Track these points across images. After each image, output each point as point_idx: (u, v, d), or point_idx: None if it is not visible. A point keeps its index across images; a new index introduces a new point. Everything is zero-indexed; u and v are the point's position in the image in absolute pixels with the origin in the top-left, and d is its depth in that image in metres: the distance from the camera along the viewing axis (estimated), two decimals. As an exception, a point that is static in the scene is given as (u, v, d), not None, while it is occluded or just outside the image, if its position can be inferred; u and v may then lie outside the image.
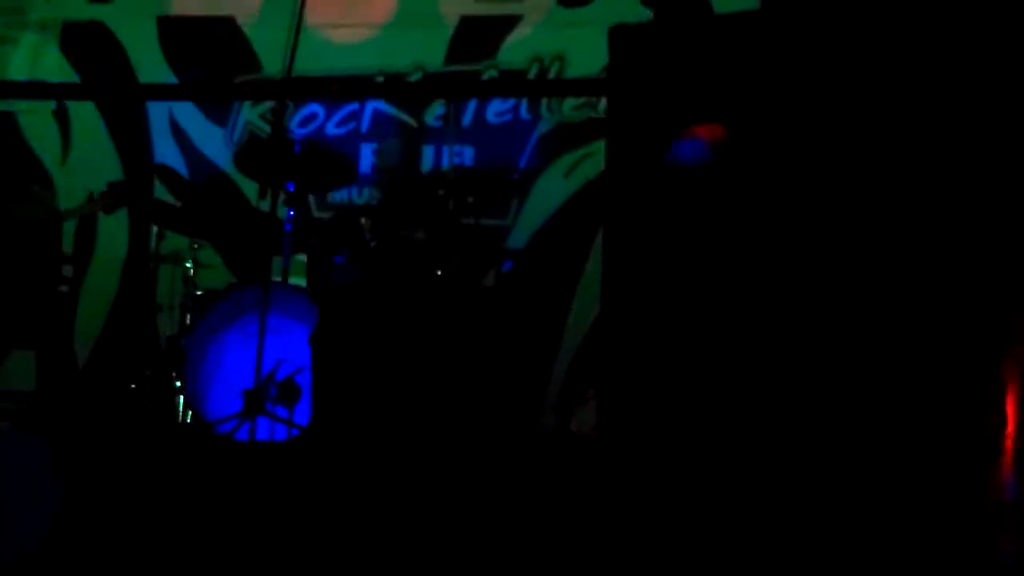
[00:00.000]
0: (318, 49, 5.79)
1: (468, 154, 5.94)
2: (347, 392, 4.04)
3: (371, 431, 3.95)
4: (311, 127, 6.13)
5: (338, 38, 5.99)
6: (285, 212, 4.86)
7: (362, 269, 4.66)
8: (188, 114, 6.28)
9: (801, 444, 2.68)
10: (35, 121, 6.40)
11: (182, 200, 6.03)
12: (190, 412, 4.64)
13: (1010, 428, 2.47)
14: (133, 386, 4.92)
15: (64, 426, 4.99)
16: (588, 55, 5.65)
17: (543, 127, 5.89)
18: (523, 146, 5.89)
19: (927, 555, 2.53)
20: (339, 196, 6.02)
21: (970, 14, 2.62)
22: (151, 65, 6.25)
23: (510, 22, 5.97)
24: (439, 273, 4.53)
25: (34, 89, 6.09)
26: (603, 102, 5.53)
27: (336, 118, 6.13)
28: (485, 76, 5.95)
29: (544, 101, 5.92)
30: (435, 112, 6.02)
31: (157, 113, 6.31)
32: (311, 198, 5.94)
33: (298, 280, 4.89)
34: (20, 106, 6.41)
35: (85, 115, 6.36)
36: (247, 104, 6.24)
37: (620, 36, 3.01)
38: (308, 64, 4.48)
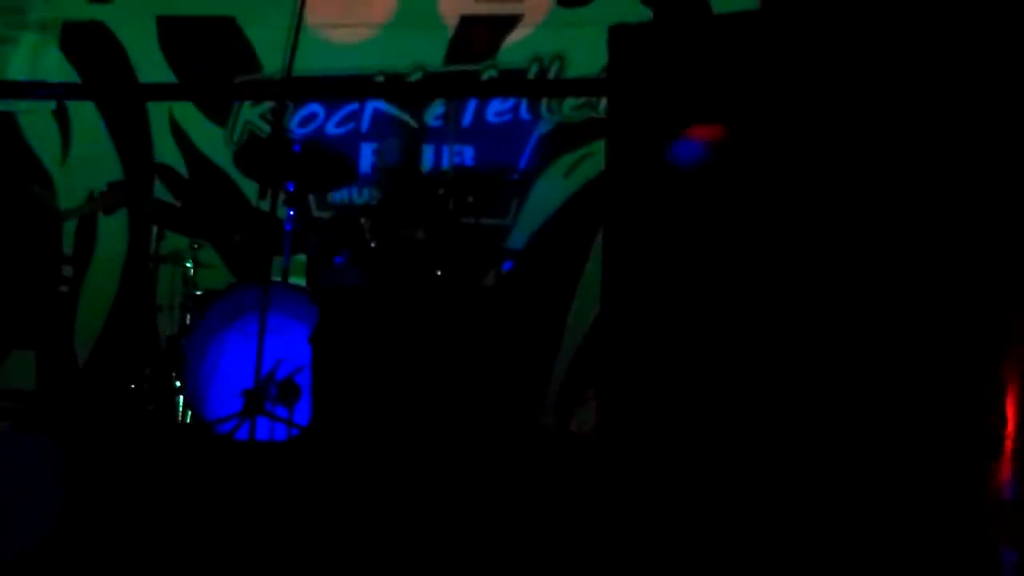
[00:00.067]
0: (318, 49, 5.79)
1: (468, 154, 5.94)
2: (347, 392, 4.05)
3: (371, 431, 3.95)
4: (311, 127, 6.13)
5: (338, 38, 5.99)
6: (285, 212, 4.85)
7: (362, 269, 4.66)
8: (188, 114, 6.28)
9: (801, 444, 2.68)
10: (35, 121, 6.40)
11: (182, 200, 6.03)
12: (190, 412, 4.64)
13: (1010, 428, 2.47)
14: (133, 386, 4.92)
15: (64, 426, 4.99)
16: (588, 55, 5.65)
17: (543, 127, 5.89)
18: (523, 146, 5.89)
19: (927, 555, 2.53)
20: (339, 196, 6.02)
21: (970, 14, 2.62)
22: (151, 65, 6.25)
23: (510, 22, 5.97)
24: (439, 273, 4.53)
25: (34, 89, 6.09)
26: (603, 102, 5.53)
27: (336, 118, 6.13)
28: (485, 76, 5.95)
29: (544, 101, 5.92)
30: (435, 112, 6.02)
31: (157, 113, 6.31)
32: (311, 198, 5.94)
33: (298, 280, 4.89)
34: (20, 106, 6.41)
35: (85, 115, 6.36)
36: (247, 104, 6.24)
37: (620, 36, 3.01)
38: (308, 64, 4.48)
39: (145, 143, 6.30)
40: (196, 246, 5.06)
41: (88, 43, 6.36)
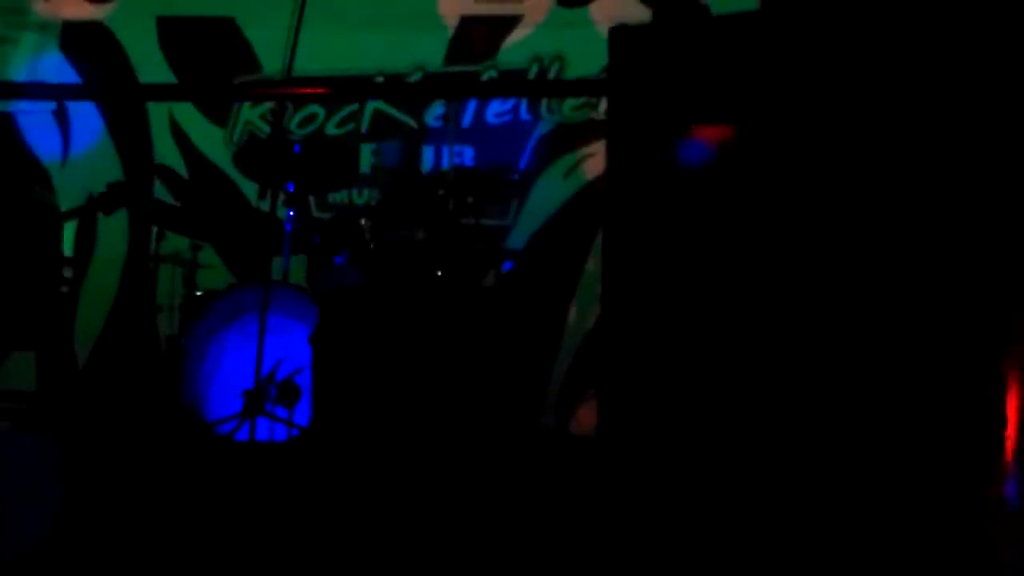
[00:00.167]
0: (318, 49, 5.80)
1: (468, 154, 5.95)
2: (347, 392, 4.05)
3: (371, 431, 3.95)
4: (311, 127, 6.13)
5: (338, 39, 5.99)
6: (285, 212, 4.86)
7: (362, 269, 4.67)
8: (188, 114, 6.28)
9: (801, 445, 2.68)
10: (35, 121, 6.41)
11: (182, 200, 6.03)
12: (190, 412, 4.64)
13: (1010, 428, 2.48)
14: (133, 386, 4.92)
15: (64, 426, 4.99)
16: (588, 55, 5.65)
17: (543, 128, 5.90)
18: (523, 147, 5.89)
19: (928, 555, 2.53)
20: (339, 196, 6.02)
21: (971, 14, 2.62)
22: (151, 65, 6.26)
23: (510, 22, 5.97)
24: (439, 273, 4.53)
25: (34, 89, 6.09)
26: (603, 103, 5.53)
27: (336, 118, 6.13)
28: (485, 76, 5.95)
29: (544, 102, 5.92)
30: (435, 112, 6.02)
31: (157, 114, 6.31)
32: (311, 198, 5.94)
33: (298, 281, 4.89)
34: (20, 106, 6.41)
35: (85, 115, 6.36)
36: (247, 104, 6.25)
37: (620, 36, 3.01)
38: (308, 65, 4.48)
39: (145, 143, 6.30)
40: (196, 246, 5.07)
41: (88, 43, 6.36)
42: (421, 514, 3.27)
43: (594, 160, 5.64)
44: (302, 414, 4.44)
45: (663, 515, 2.79)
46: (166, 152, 6.27)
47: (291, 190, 4.86)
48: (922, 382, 2.58)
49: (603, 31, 3.11)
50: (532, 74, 5.91)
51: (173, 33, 6.30)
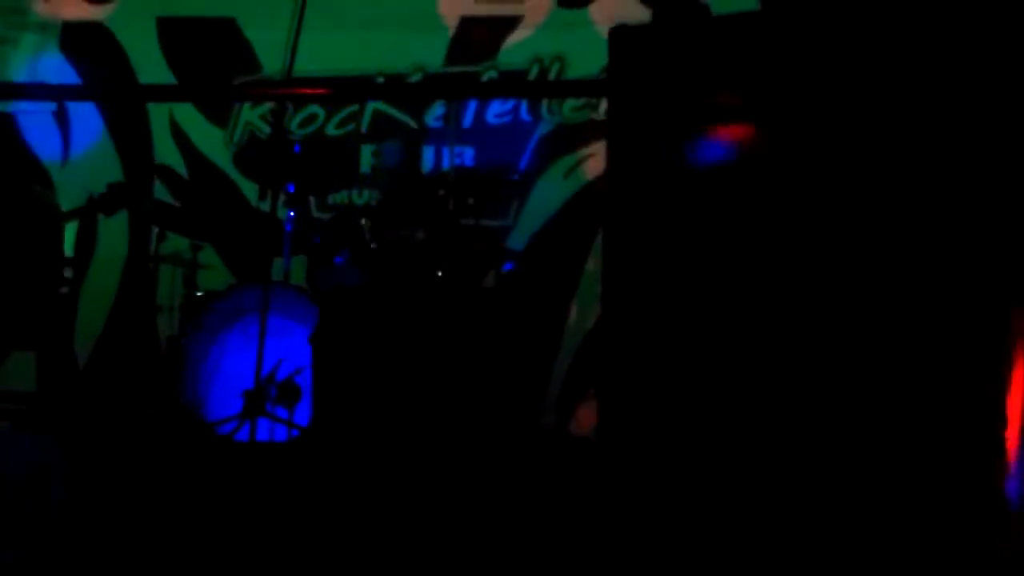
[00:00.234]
0: (318, 50, 5.79)
1: (468, 155, 5.95)
2: (347, 393, 4.05)
3: (371, 432, 3.95)
4: (311, 128, 6.13)
5: (338, 39, 5.99)
6: (285, 213, 4.86)
7: (362, 269, 4.66)
8: (188, 115, 6.28)
9: (801, 445, 2.68)
10: (35, 121, 6.40)
11: (182, 201, 6.03)
12: (190, 413, 4.64)
13: (1011, 428, 2.48)
14: (133, 386, 4.92)
15: (64, 426, 4.99)
16: (588, 56, 5.65)
17: (543, 128, 5.89)
18: (523, 147, 5.89)
19: (928, 555, 2.53)
20: (339, 196, 6.02)
21: (971, 14, 2.62)
22: (151, 66, 6.26)
23: (510, 23, 5.97)
24: (439, 274, 4.53)
25: (34, 90, 6.09)
26: (603, 103, 5.53)
27: (336, 119, 6.13)
28: (485, 77, 5.95)
29: (544, 102, 5.92)
30: (435, 113, 6.02)
31: (157, 114, 6.31)
32: (311, 199, 5.94)
33: (298, 281, 4.89)
34: (20, 106, 6.41)
35: (85, 116, 6.36)
36: (247, 105, 6.25)
37: (620, 37, 3.01)
38: (308, 65, 4.48)
39: (145, 144, 6.30)
40: (196, 247, 5.07)
41: (88, 44, 6.36)
42: (421, 514, 3.27)
43: (594, 160, 5.64)
44: (302, 415, 4.44)
45: (662, 515, 2.79)
46: (166, 152, 6.27)
47: (291, 191, 4.85)
48: (923, 382, 2.58)
49: (603, 31, 3.11)
50: (532, 75, 5.91)
51: (173, 33, 6.30)
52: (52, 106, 6.37)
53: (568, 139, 5.84)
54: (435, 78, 6.03)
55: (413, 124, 6.05)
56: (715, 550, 2.71)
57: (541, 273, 5.73)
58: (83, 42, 6.38)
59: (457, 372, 4.02)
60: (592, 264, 5.62)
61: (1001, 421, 2.48)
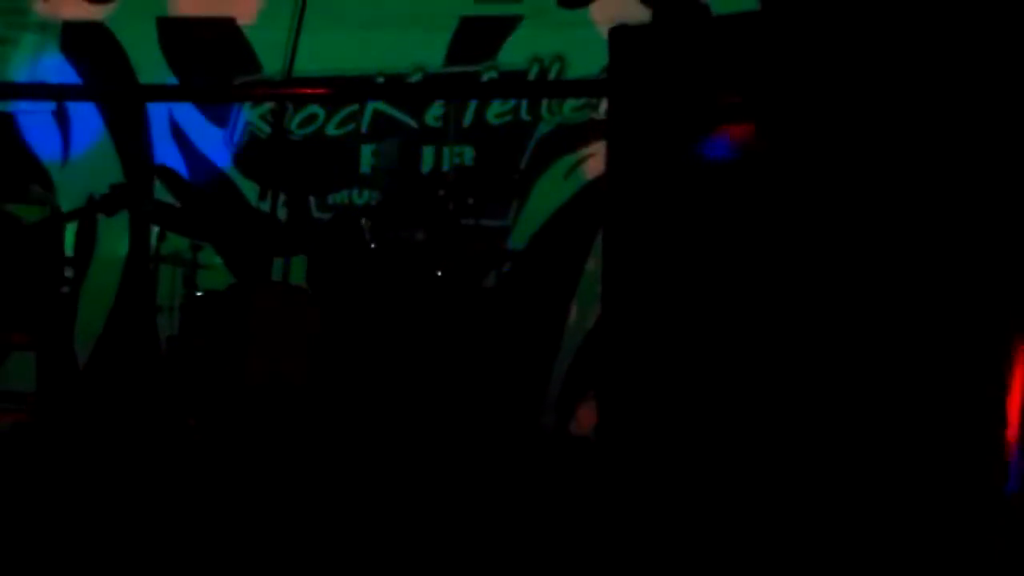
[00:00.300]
0: (318, 50, 5.79)
1: (468, 155, 5.95)
2: (347, 393, 4.05)
3: (371, 431, 3.95)
4: (311, 128, 6.13)
5: (338, 39, 5.99)
6: (285, 213, 4.86)
7: (362, 270, 4.66)
8: (188, 115, 6.28)
9: (802, 445, 2.68)
10: (35, 121, 6.41)
11: (182, 201, 6.03)
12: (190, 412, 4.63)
13: (1011, 428, 2.48)
14: (133, 387, 4.92)
15: (64, 426, 4.99)
16: (588, 56, 5.65)
17: (543, 128, 5.89)
18: (523, 147, 5.89)
19: (928, 555, 2.53)
20: (339, 196, 6.02)
21: (971, 14, 2.62)
22: (151, 66, 6.26)
23: (510, 23, 5.97)
24: (439, 274, 4.53)
25: (34, 89, 6.09)
26: (604, 103, 5.53)
27: (336, 119, 6.13)
28: (485, 77, 5.95)
29: (544, 102, 5.93)
30: (435, 113, 6.02)
31: (157, 114, 6.31)
32: (311, 199, 5.94)
33: (298, 281, 4.89)
34: (20, 106, 6.41)
35: (85, 116, 6.36)
36: (247, 105, 6.25)
37: (620, 37, 3.01)
38: (308, 65, 4.49)
39: (145, 144, 6.30)
40: (196, 247, 5.07)
41: (88, 44, 6.36)
42: (422, 514, 3.27)
43: (594, 160, 5.64)
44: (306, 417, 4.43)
45: (662, 515, 2.79)
46: (166, 152, 6.27)
47: (291, 191, 4.86)
48: (923, 383, 2.58)
49: (603, 31, 3.11)
50: (532, 75, 5.91)
51: (173, 33, 6.30)
52: (52, 106, 6.37)
53: (568, 139, 5.84)
54: (435, 78, 6.03)
55: (413, 124, 6.05)
56: (715, 549, 2.71)
57: (541, 273, 5.73)
58: (83, 42, 6.38)
59: (457, 372, 4.02)
60: (592, 264, 5.62)
61: (1002, 421, 2.48)
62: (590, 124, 5.77)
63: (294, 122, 6.10)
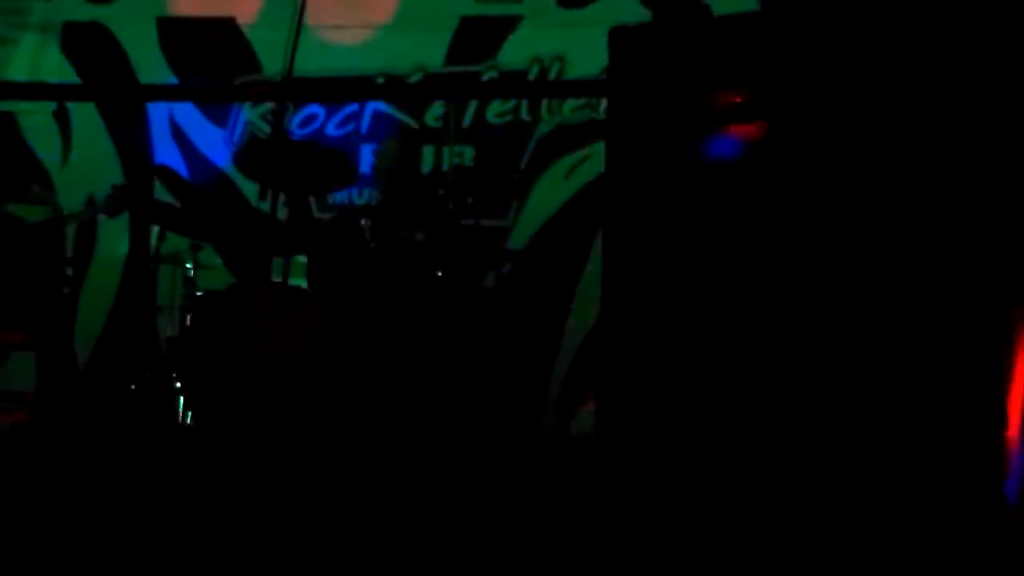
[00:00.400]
0: (319, 50, 5.79)
1: (468, 155, 5.94)
2: (347, 393, 4.05)
3: (371, 432, 3.95)
4: (311, 128, 6.13)
5: (338, 39, 5.99)
6: (285, 213, 4.86)
7: (362, 270, 4.66)
8: (188, 115, 6.28)
9: (803, 444, 2.68)
10: (35, 121, 6.40)
11: (182, 201, 6.03)
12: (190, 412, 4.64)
13: (1012, 428, 2.48)
14: (133, 386, 4.92)
15: (64, 426, 4.99)
16: (588, 56, 5.65)
17: (543, 128, 5.89)
18: (523, 147, 5.89)
19: (929, 554, 2.53)
20: (339, 197, 6.02)
21: (971, 14, 2.62)
22: (151, 66, 6.26)
23: (510, 23, 5.97)
24: (439, 274, 4.53)
25: (34, 89, 6.09)
26: (603, 103, 5.53)
27: (336, 119, 6.13)
28: (485, 77, 5.95)
29: (544, 102, 5.93)
30: (435, 113, 6.02)
31: (157, 114, 6.31)
32: (311, 199, 5.94)
33: (298, 281, 4.89)
34: (20, 106, 6.41)
35: (85, 116, 6.36)
36: (247, 105, 6.25)
37: (620, 37, 3.01)
38: (308, 65, 4.48)
39: (145, 144, 6.30)
40: (196, 247, 5.07)
41: (88, 44, 6.36)
42: (422, 514, 3.27)
43: (594, 160, 5.64)
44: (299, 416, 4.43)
45: (662, 514, 2.79)
46: (166, 152, 6.27)
47: (291, 191, 4.85)
48: (924, 382, 2.58)
49: (603, 31, 3.11)
50: (532, 75, 5.91)
51: (173, 33, 6.30)
52: (52, 106, 6.37)
53: (568, 139, 5.84)
54: (435, 78, 6.03)
55: (413, 124, 6.04)
56: (716, 549, 2.71)
57: (541, 273, 5.74)
58: (83, 42, 6.37)
59: (457, 372, 4.02)
60: (592, 264, 5.62)
61: (1002, 421, 2.48)
62: (590, 124, 5.77)
63: (294, 122, 6.10)
